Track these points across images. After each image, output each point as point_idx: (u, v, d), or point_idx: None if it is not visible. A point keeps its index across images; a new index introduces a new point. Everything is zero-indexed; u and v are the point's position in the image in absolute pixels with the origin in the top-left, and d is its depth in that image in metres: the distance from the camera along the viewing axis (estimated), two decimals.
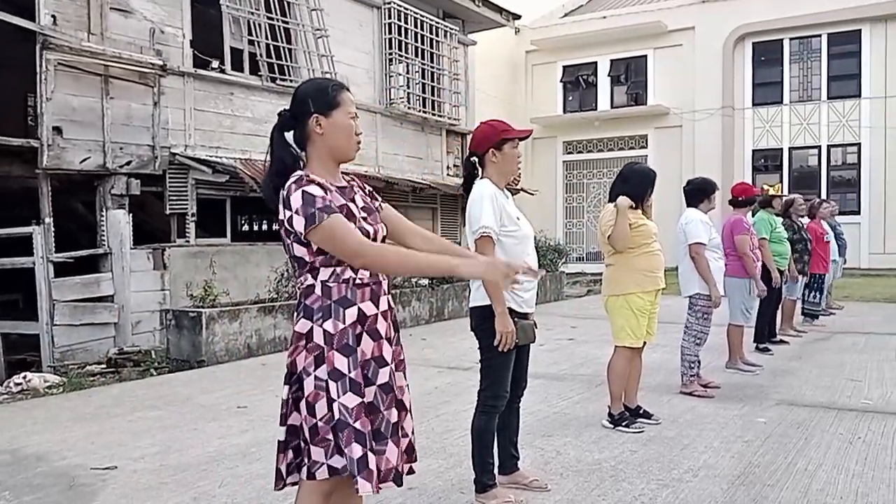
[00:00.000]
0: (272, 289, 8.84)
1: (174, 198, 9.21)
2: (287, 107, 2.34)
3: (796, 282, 8.50)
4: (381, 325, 2.28)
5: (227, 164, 9.33)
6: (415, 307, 10.52)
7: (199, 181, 9.34)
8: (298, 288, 2.26)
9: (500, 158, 3.40)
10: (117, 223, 8.68)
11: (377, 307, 2.26)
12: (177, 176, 9.23)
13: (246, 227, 14.55)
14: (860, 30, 18.79)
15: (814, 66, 19.56)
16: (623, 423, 4.80)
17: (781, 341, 8.09)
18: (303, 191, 2.14)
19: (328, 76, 11.10)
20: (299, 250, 2.21)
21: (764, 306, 7.74)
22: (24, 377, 7.12)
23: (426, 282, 10.82)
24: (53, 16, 8.22)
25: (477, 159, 3.44)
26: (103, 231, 8.66)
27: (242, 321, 7.76)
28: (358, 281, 2.22)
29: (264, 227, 14.45)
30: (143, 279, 8.79)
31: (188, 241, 9.31)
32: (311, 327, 2.18)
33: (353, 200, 2.28)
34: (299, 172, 2.22)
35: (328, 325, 2.18)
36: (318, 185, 2.18)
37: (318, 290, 2.20)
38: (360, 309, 2.21)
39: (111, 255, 8.60)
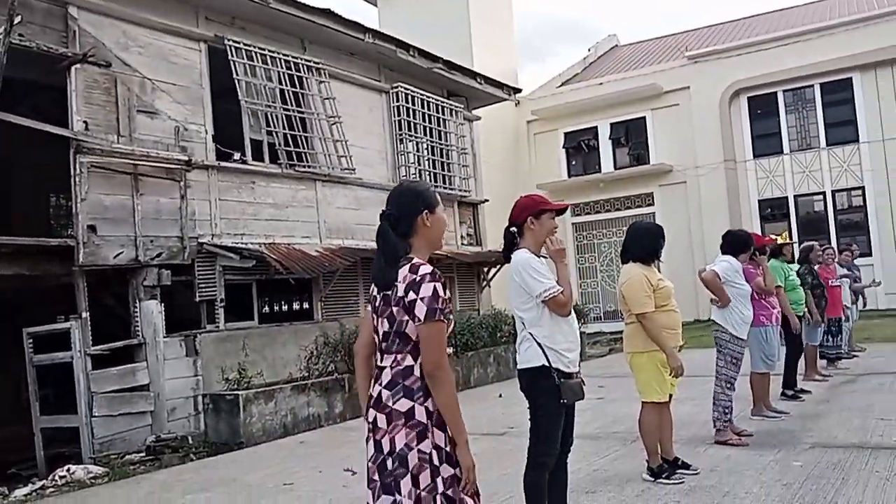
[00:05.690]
0: (302, 367, 9.03)
1: (203, 285, 9.51)
2: (385, 207, 2.64)
3: (819, 326, 8.62)
4: None
5: (252, 249, 9.67)
6: None
7: (227, 267, 9.65)
8: (392, 366, 2.49)
9: (538, 226, 3.67)
10: (150, 313, 8.95)
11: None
12: (205, 264, 9.56)
13: (266, 309, 14.78)
14: (850, 78, 19.35)
15: (809, 116, 20.06)
16: (663, 475, 4.91)
17: (802, 390, 8.01)
18: (434, 286, 2.45)
19: (343, 158, 11.60)
20: (410, 329, 2.46)
21: (788, 354, 7.85)
22: (68, 469, 7.27)
23: (450, 350, 10.97)
24: (85, 122, 8.70)
25: (516, 229, 3.71)
26: (137, 322, 8.92)
27: (277, 401, 7.93)
28: None
29: (284, 307, 14.68)
30: (176, 366, 8.99)
31: (218, 327, 9.55)
32: (413, 406, 2.42)
33: None
34: (428, 266, 2.51)
35: (429, 404, 2.44)
36: (444, 282, 2.50)
37: (416, 371, 2.46)
38: None
39: (145, 345, 8.84)
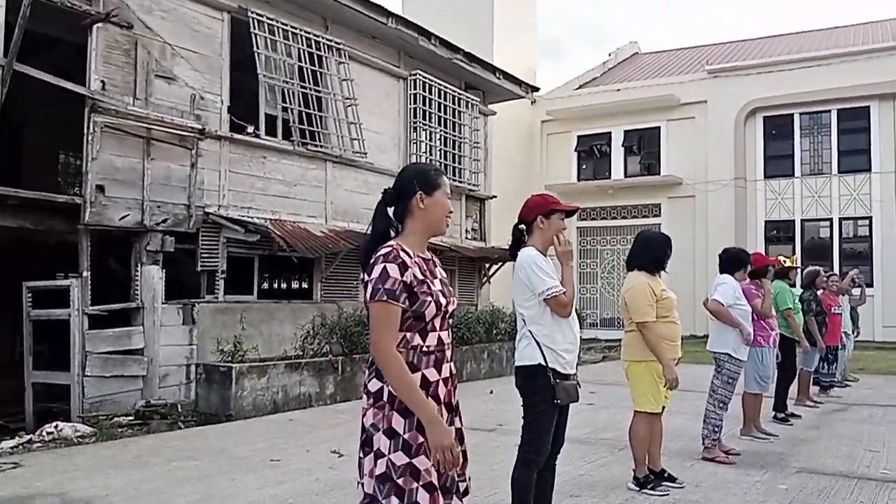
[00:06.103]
0: (297, 346, 9.04)
1: (206, 255, 9.52)
2: (388, 185, 2.63)
3: (822, 352, 8.63)
4: (442, 391, 2.48)
5: (258, 223, 9.68)
6: None
7: (231, 239, 9.66)
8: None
9: (547, 226, 3.68)
10: (151, 278, 8.96)
11: (440, 374, 2.47)
12: (209, 234, 9.56)
13: (266, 285, 14.80)
14: (868, 106, 19.29)
15: (824, 141, 20.01)
16: (648, 486, 4.92)
17: (792, 414, 8.00)
18: (384, 266, 2.39)
19: (356, 140, 11.58)
20: None
21: (780, 377, 7.83)
22: (56, 426, 7.30)
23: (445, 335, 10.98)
24: (103, 81, 8.70)
25: (525, 227, 3.71)
26: (137, 286, 8.93)
27: (270, 377, 7.95)
28: (424, 349, 2.43)
29: (283, 285, 14.70)
30: (172, 333, 9.01)
31: (217, 298, 9.57)
32: (381, 387, 2.39)
33: (432, 273, 2.53)
34: (392, 244, 2.46)
35: None
36: (402, 262, 2.41)
37: None
38: (423, 375, 2.42)
39: (143, 310, 8.86)
